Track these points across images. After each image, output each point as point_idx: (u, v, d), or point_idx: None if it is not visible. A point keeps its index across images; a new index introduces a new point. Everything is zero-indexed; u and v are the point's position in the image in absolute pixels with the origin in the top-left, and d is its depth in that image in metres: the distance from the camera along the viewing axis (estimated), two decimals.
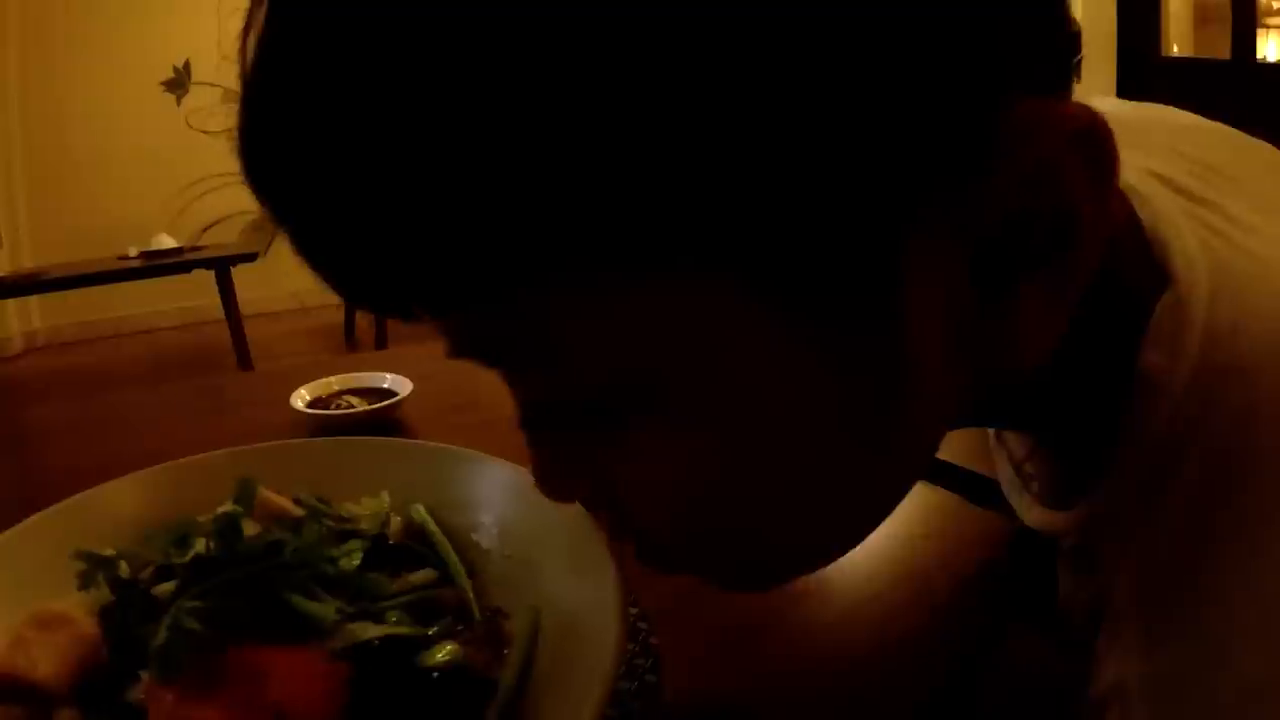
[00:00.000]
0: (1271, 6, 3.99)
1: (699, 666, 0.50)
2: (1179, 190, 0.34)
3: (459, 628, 0.45)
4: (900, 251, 0.24)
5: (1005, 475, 0.48)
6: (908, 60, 0.22)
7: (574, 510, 0.50)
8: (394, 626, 0.41)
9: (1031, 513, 0.43)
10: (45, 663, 0.39)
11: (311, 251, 0.25)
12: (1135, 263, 0.32)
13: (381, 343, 4.05)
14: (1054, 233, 0.25)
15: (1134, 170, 0.35)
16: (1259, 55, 3.86)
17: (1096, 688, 0.32)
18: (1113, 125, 0.24)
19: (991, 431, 0.50)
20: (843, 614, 0.57)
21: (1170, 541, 0.29)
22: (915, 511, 0.71)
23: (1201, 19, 4.07)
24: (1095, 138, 0.24)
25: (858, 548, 0.34)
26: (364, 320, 4.23)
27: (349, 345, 4.39)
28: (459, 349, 0.29)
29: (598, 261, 0.23)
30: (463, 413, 1.01)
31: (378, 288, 0.26)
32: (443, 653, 0.41)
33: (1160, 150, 0.38)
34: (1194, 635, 0.28)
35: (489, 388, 1.07)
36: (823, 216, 0.22)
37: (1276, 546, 0.26)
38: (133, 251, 3.77)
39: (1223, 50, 3.70)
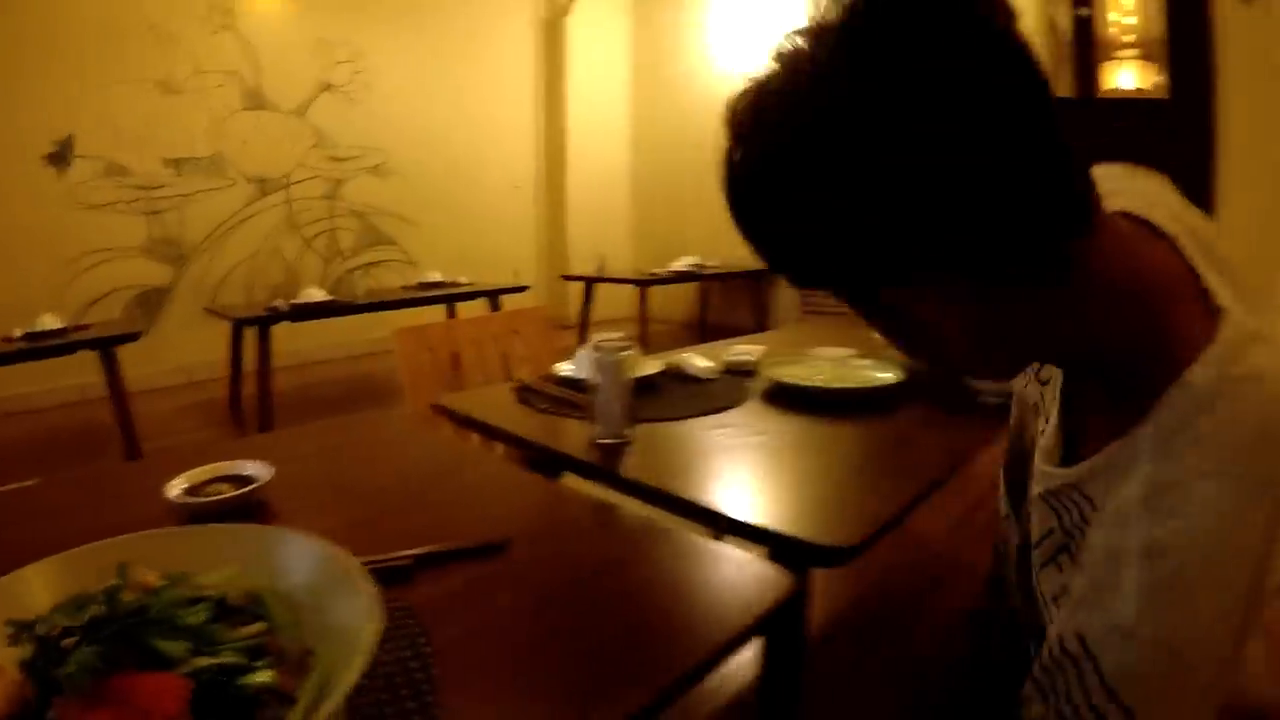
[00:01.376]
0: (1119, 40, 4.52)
1: (477, 687, 0.74)
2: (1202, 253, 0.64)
3: (280, 664, 0.66)
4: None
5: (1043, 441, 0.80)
6: (992, 205, 0.56)
7: (357, 569, 0.71)
8: (225, 658, 0.62)
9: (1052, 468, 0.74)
10: None
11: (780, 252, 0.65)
12: (1189, 295, 0.61)
13: (267, 413, 4.13)
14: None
15: (1169, 220, 0.66)
16: (1111, 87, 4.51)
17: (1088, 552, 0.61)
18: (1135, 190, 0.70)
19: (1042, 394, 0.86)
20: (608, 643, 0.80)
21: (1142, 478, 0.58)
22: (708, 562, 0.98)
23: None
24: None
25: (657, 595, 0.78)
26: (249, 389, 4.32)
27: (234, 417, 4.46)
28: (859, 310, 0.69)
29: (936, 272, 0.59)
30: (319, 491, 1.22)
31: (818, 275, 0.65)
32: (260, 676, 0.62)
33: (1172, 213, 0.67)
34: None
35: (343, 471, 1.34)
36: (1004, 258, 0.58)
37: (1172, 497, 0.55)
38: (16, 332, 3.73)
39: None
